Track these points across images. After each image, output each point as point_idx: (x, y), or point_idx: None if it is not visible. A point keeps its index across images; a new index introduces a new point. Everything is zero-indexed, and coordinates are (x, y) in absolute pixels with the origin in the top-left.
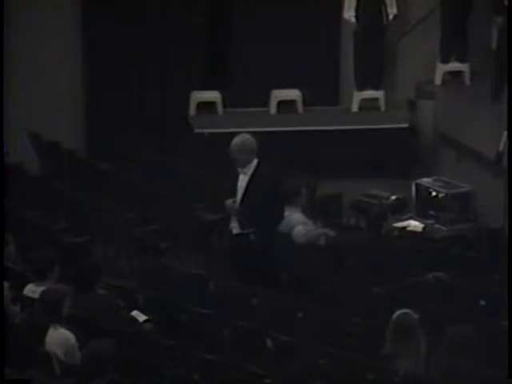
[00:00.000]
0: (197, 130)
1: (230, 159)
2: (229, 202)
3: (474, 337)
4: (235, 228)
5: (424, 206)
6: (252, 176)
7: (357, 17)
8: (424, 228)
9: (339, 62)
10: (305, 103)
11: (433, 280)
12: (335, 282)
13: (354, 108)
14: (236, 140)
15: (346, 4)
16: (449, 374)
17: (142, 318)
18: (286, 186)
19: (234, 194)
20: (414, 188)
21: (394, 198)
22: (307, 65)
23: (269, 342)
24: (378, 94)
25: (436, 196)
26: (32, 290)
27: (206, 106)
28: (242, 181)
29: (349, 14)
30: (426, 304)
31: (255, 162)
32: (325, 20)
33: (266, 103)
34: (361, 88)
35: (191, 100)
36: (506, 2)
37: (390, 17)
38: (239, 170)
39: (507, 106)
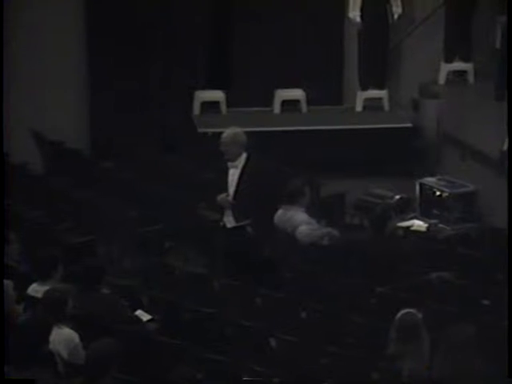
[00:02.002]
0: (201, 130)
1: (220, 152)
2: (222, 196)
3: (477, 336)
4: (229, 222)
5: (428, 205)
6: (243, 169)
7: (362, 16)
8: (428, 227)
9: (343, 62)
10: (309, 103)
11: (437, 279)
12: (339, 281)
13: (358, 107)
14: (227, 133)
15: (351, 3)
16: (451, 373)
17: (145, 317)
18: (290, 185)
19: (224, 188)
20: (417, 187)
21: (397, 197)
22: (311, 64)
23: (272, 342)
24: (382, 93)
25: (440, 195)
26: (36, 290)
27: (210, 106)
28: (233, 174)
29: (354, 13)
30: (429, 304)
31: (244, 155)
32: (328, 19)
33: (269, 103)
34: (365, 87)
35: (195, 99)
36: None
37: (395, 16)
38: (229, 164)
39: (507, 105)
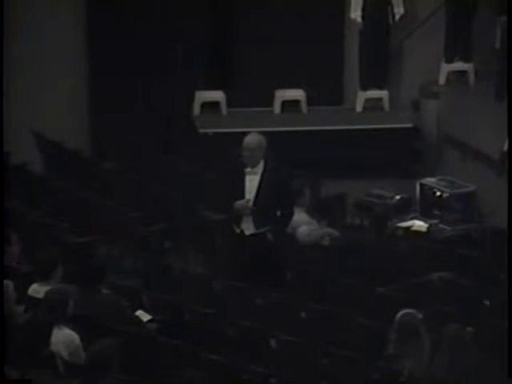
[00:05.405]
0: (201, 130)
1: (244, 157)
2: (241, 202)
3: (477, 336)
4: (248, 229)
5: (428, 205)
6: (262, 175)
7: (363, 17)
8: (428, 228)
9: (343, 62)
10: (309, 103)
11: (437, 280)
12: (339, 281)
13: (358, 108)
14: (252, 139)
15: (353, 4)
16: (451, 373)
17: (146, 317)
18: (291, 186)
19: (241, 194)
20: (418, 188)
21: (398, 197)
22: (311, 65)
23: (273, 342)
24: (382, 93)
25: (440, 196)
26: (36, 290)
27: (211, 106)
28: (253, 180)
29: (356, 13)
30: (429, 304)
31: (262, 161)
32: (329, 20)
33: (270, 103)
34: (365, 88)
35: (195, 100)
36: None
37: (397, 17)
38: (248, 169)
39: (507, 105)
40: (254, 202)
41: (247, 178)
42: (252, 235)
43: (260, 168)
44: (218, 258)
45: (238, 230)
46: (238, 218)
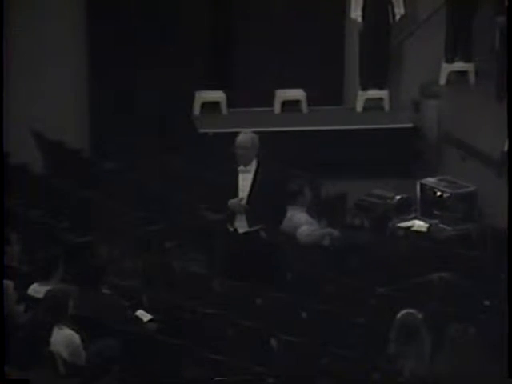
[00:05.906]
0: (201, 130)
1: (237, 156)
2: (234, 201)
3: (477, 336)
4: (242, 227)
5: (429, 205)
6: (255, 174)
7: (363, 16)
8: (429, 228)
9: (344, 62)
10: (309, 103)
11: (437, 280)
12: (339, 282)
13: (359, 108)
14: (244, 137)
15: (353, 3)
16: (451, 373)
17: (146, 317)
18: (290, 186)
19: (235, 192)
20: (418, 188)
21: (398, 197)
22: (311, 64)
23: (273, 342)
24: (383, 93)
25: (441, 196)
26: (36, 290)
27: (211, 106)
28: (245, 179)
29: (356, 13)
30: (430, 304)
31: (255, 159)
32: (329, 19)
33: (270, 103)
34: (365, 88)
35: (196, 100)
36: (507, 2)
37: (397, 17)
38: (241, 168)
39: (507, 105)
40: (248, 200)
41: (240, 176)
42: (245, 233)
43: (253, 166)
44: (214, 257)
45: (231, 229)
46: (231, 217)
